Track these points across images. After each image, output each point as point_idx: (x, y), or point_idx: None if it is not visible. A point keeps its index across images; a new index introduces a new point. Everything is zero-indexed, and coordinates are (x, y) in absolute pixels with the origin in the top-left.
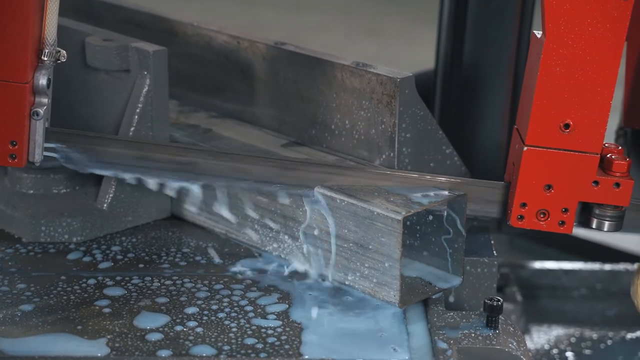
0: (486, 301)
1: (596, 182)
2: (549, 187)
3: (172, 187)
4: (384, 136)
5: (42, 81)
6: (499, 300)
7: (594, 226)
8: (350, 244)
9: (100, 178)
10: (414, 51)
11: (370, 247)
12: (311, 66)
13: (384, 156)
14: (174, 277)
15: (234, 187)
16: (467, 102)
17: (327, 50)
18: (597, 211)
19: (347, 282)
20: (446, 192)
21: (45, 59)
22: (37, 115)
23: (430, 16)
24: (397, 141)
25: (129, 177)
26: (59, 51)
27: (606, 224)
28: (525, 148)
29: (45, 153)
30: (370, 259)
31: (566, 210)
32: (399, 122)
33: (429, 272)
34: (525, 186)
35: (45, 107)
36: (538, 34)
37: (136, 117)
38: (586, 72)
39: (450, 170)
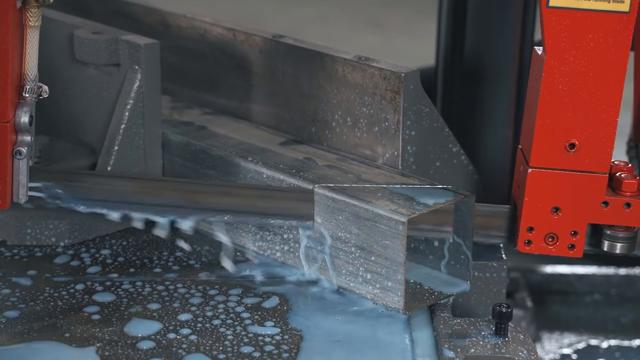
0: (495, 307)
1: (605, 203)
2: (557, 209)
3: (162, 222)
4: (387, 134)
5: (24, 119)
6: (508, 307)
7: (605, 248)
8: (352, 248)
9: None
10: (419, 44)
11: (373, 250)
12: (311, 60)
13: (387, 155)
14: (167, 282)
15: (224, 222)
16: (470, 97)
17: (328, 44)
18: (608, 232)
19: (348, 288)
20: (452, 192)
21: (27, 95)
22: (20, 154)
23: (436, 7)
24: (401, 139)
25: (117, 215)
26: (41, 87)
27: (618, 246)
28: (529, 170)
29: (30, 193)
30: (373, 263)
31: (575, 233)
32: (403, 119)
33: (435, 277)
34: (532, 209)
35: (28, 146)
36: (539, 50)
37: (127, 113)
38: (590, 89)
39: (457, 170)
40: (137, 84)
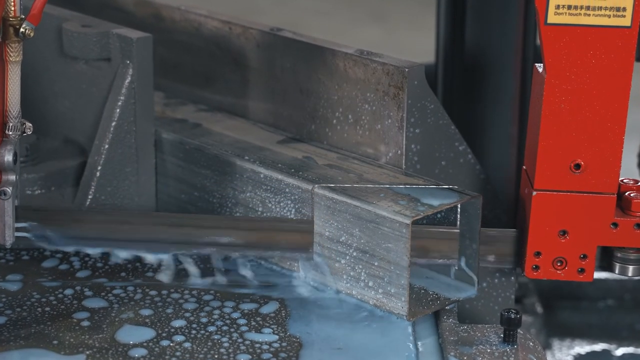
0: (503, 313)
1: (615, 224)
2: (564, 233)
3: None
4: (390, 131)
5: (8, 157)
6: (517, 312)
7: (617, 271)
8: (354, 251)
9: (78, 178)
10: (423, 37)
11: (375, 253)
12: (310, 55)
13: (390, 154)
14: (159, 287)
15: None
16: (472, 93)
17: (328, 37)
18: (618, 255)
19: (350, 293)
20: (458, 193)
21: (10, 133)
22: (5, 194)
23: None
24: (405, 137)
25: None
26: (24, 123)
27: (630, 269)
28: (534, 192)
29: (17, 234)
30: (375, 267)
31: (585, 256)
32: (407, 116)
33: (440, 281)
34: (538, 233)
35: (13, 185)
36: (539, 67)
37: (118, 110)
38: (593, 107)
39: (464, 169)
40: (128, 79)
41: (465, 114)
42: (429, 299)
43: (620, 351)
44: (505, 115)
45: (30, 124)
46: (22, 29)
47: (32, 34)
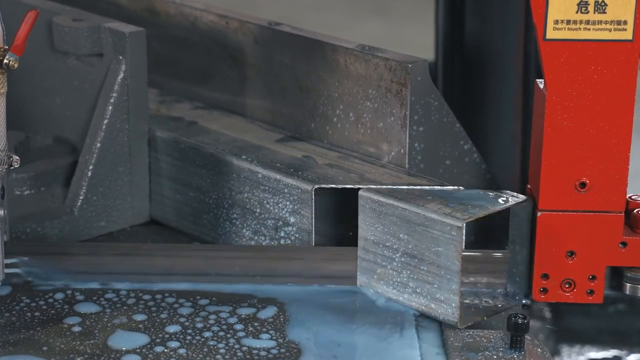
0: (510, 318)
1: (624, 244)
2: (572, 253)
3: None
4: (393, 129)
5: None
6: (524, 317)
7: (627, 292)
8: (401, 256)
9: (69, 178)
10: (427, 32)
11: (424, 258)
12: (310, 50)
13: (393, 153)
14: (154, 292)
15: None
16: (472, 90)
17: (329, 32)
18: (628, 274)
19: (396, 299)
20: (510, 196)
21: None
22: None
23: None
24: (408, 135)
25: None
26: (11, 156)
27: None
28: (539, 213)
29: (7, 270)
30: (424, 271)
31: (594, 277)
32: (411, 113)
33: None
34: (545, 255)
35: (1, 220)
36: (541, 83)
37: (110, 108)
38: (597, 124)
39: (469, 169)
40: (121, 75)
41: (466, 112)
42: (480, 305)
43: (631, 357)
44: (508, 112)
45: (18, 157)
46: (5, 61)
47: (16, 65)
